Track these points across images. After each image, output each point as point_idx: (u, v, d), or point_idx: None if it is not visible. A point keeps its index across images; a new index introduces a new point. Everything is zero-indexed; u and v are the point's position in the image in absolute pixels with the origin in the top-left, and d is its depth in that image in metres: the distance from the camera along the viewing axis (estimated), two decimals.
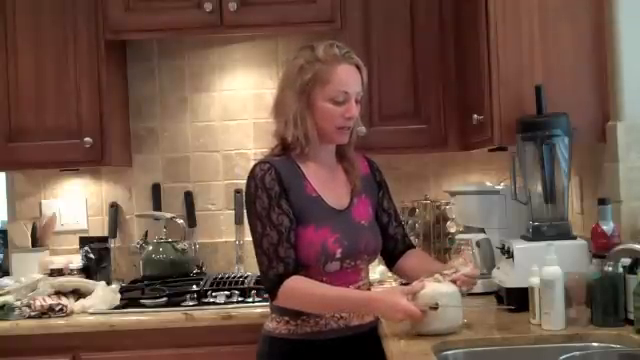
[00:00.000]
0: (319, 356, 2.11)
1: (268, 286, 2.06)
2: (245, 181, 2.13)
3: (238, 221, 3.40)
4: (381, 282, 2.97)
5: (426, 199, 3.27)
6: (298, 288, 2.05)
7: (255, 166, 2.10)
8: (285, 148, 2.13)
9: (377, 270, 2.98)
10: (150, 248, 3.28)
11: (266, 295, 2.19)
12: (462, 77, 2.96)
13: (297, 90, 2.08)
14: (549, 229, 2.33)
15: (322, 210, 2.10)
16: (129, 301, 2.95)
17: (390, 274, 2.74)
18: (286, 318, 2.12)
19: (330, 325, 2.12)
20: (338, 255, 2.08)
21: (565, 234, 2.33)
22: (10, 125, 3.11)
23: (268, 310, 2.21)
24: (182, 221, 3.37)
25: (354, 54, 2.14)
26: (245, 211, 2.15)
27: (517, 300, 2.24)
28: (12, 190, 3.49)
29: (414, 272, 2.17)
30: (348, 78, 2.11)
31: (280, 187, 2.06)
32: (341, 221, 2.12)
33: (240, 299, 2.91)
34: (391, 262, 2.32)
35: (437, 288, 2.04)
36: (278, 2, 3.04)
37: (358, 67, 2.14)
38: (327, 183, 2.15)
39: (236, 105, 3.46)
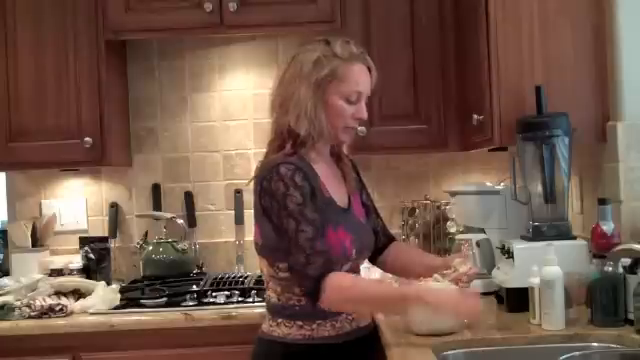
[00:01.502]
0: (336, 359, 2.09)
1: (309, 286, 1.94)
2: (261, 182, 2.01)
3: (238, 221, 3.40)
4: (381, 282, 2.97)
5: (426, 199, 3.27)
6: (346, 287, 1.95)
7: (278, 166, 1.99)
8: (294, 144, 2.05)
9: (377, 270, 2.97)
10: (150, 248, 3.28)
11: (307, 298, 2.01)
12: (462, 77, 2.96)
13: (312, 84, 2.02)
14: (549, 229, 2.33)
15: (335, 210, 2.06)
16: (129, 301, 2.95)
17: (390, 275, 2.73)
18: (299, 323, 2.05)
19: (345, 328, 2.08)
20: (353, 256, 2.06)
21: (565, 234, 2.33)
22: (10, 125, 3.11)
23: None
24: (182, 221, 3.37)
25: (367, 55, 2.12)
26: (263, 212, 2.03)
27: (517, 300, 2.24)
28: (12, 190, 3.49)
29: (406, 266, 2.17)
30: (363, 78, 2.08)
31: (310, 187, 1.99)
32: (349, 220, 2.09)
33: (240, 299, 2.91)
34: (373, 256, 2.28)
35: (436, 286, 2.04)
36: (278, 2, 3.04)
37: (369, 69, 2.11)
38: (331, 182, 2.12)
39: (236, 105, 3.46)
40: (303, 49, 2.10)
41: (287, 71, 2.09)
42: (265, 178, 2.00)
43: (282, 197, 1.96)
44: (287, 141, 2.05)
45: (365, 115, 2.11)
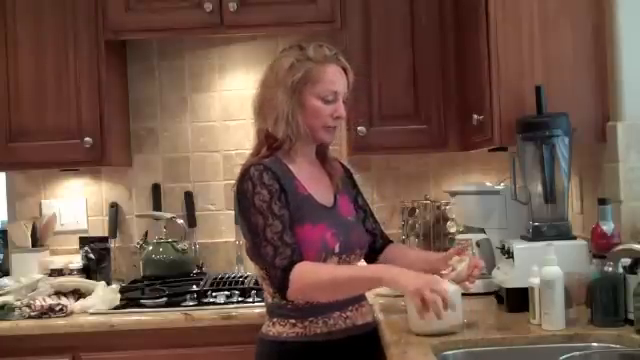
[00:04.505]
0: (330, 357, 2.10)
1: (277, 277, 1.97)
2: (236, 185, 2.09)
3: (238, 221, 3.39)
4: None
5: (426, 199, 3.27)
6: (308, 271, 1.98)
7: (248, 168, 2.07)
8: (270, 147, 2.12)
9: None
10: (150, 248, 3.28)
11: (274, 294, 2.08)
12: (462, 77, 2.96)
13: (288, 88, 2.08)
14: (549, 229, 2.33)
15: (314, 208, 2.10)
16: (129, 301, 2.95)
17: None
18: (292, 321, 2.08)
19: (339, 325, 2.11)
20: (337, 250, 2.08)
21: (565, 234, 2.33)
22: (10, 125, 3.11)
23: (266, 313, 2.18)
24: (182, 221, 3.37)
25: (341, 56, 2.17)
26: (239, 214, 2.10)
27: (517, 300, 2.24)
28: (12, 190, 3.49)
29: (404, 265, 2.18)
30: (337, 78, 2.14)
31: (279, 185, 2.05)
32: (332, 217, 2.13)
33: (240, 299, 2.91)
34: (371, 258, 2.31)
35: None
36: (278, 2, 3.05)
37: (344, 69, 2.16)
38: (314, 181, 2.16)
39: (236, 105, 3.46)
40: (279, 56, 2.19)
41: (265, 78, 2.17)
42: (238, 180, 2.09)
43: (251, 196, 2.03)
44: (264, 145, 2.12)
45: (343, 113, 2.15)
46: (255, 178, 2.04)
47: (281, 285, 1.98)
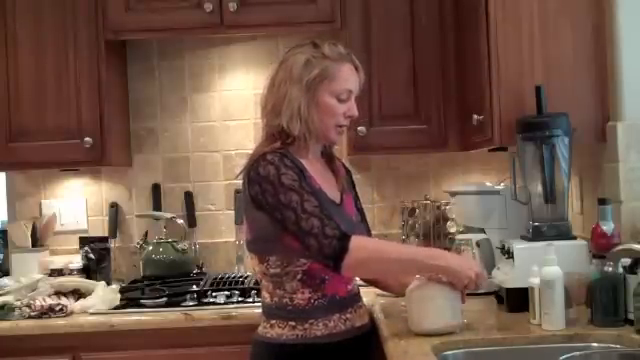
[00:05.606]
0: (330, 359, 2.10)
1: (331, 246, 1.95)
2: (248, 173, 2.06)
3: (238, 221, 3.40)
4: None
5: (426, 199, 3.27)
6: (372, 245, 2.05)
7: (264, 155, 2.05)
8: (283, 143, 2.10)
9: None
10: (150, 248, 3.28)
11: (328, 264, 2.00)
12: (462, 77, 2.96)
13: (304, 84, 2.07)
14: (549, 229, 2.33)
15: (326, 202, 2.08)
16: (129, 301, 2.94)
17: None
18: (292, 323, 2.07)
19: (339, 327, 2.10)
20: None
21: (565, 234, 2.33)
22: (10, 125, 3.12)
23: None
24: (182, 221, 3.37)
25: (353, 55, 2.18)
26: (253, 202, 2.06)
27: (517, 300, 2.24)
28: (12, 190, 3.49)
29: None
30: (352, 77, 2.14)
31: (299, 170, 2.05)
32: (340, 214, 2.12)
33: (240, 299, 2.91)
34: None
35: (436, 286, 2.04)
36: (278, 2, 3.05)
37: (357, 68, 2.17)
38: (323, 178, 2.16)
39: (236, 105, 3.46)
40: (291, 53, 2.16)
41: (276, 75, 2.14)
42: (252, 168, 2.06)
43: (276, 177, 2.01)
44: (277, 141, 2.10)
45: (356, 112, 2.16)
46: (277, 162, 2.02)
47: (337, 253, 1.96)
